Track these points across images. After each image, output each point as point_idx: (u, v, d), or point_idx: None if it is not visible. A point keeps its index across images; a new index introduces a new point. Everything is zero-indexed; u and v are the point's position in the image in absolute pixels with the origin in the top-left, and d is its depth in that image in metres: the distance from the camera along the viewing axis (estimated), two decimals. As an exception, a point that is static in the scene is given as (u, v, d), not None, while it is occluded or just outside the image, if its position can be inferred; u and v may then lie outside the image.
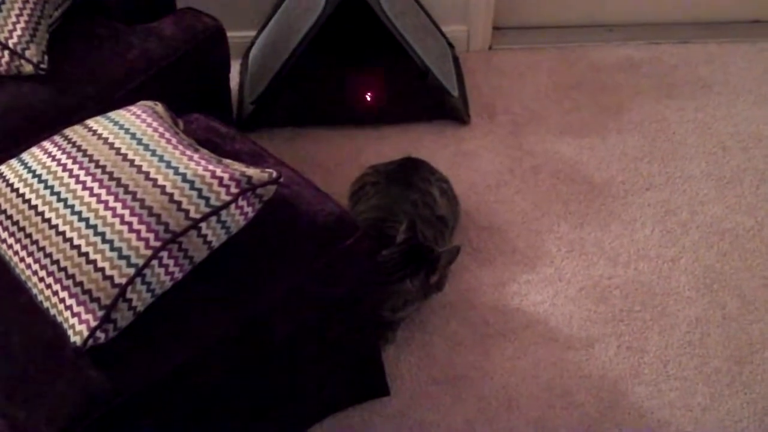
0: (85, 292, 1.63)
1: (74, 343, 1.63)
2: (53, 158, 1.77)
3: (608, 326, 2.41)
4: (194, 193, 1.67)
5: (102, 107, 2.03)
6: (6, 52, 2.18)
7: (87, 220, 1.66)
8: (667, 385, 2.29)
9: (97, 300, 1.62)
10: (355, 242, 1.89)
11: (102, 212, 1.65)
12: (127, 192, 1.67)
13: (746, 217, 2.68)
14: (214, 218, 1.69)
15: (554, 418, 2.23)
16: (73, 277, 1.64)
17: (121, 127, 1.82)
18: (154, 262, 1.64)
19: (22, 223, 1.72)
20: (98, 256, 1.63)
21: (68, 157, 1.76)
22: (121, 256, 1.62)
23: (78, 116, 1.98)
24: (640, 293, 2.49)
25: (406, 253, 2.24)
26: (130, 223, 1.64)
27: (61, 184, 1.71)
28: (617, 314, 2.44)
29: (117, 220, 1.64)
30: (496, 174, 2.82)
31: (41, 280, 1.69)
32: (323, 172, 2.79)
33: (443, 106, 2.93)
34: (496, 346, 2.38)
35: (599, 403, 2.25)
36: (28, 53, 2.18)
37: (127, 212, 1.65)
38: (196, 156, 1.76)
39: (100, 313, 1.61)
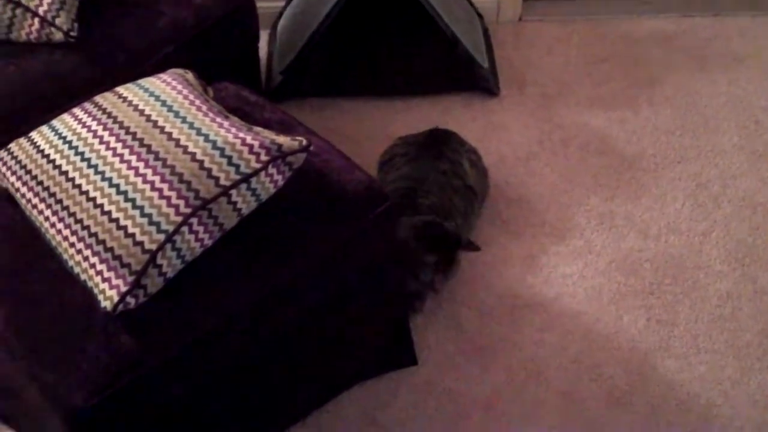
0: (115, 257, 1.63)
1: (104, 308, 1.64)
2: (84, 125, 1.78)
3: (638, 299, 2.39)
4: (224, 161, 1.67)
5: (132, 75, 2.03)
6: (36, 20, 2.18)
7: (117, 186, 1.66)
8: (697, 358, 2.27)
9: (128, 266, 1.62)
10: (384, 211, 1.88)
11: (132, 178, 1.66)
12: (157, 159, 1.67)
13: (779, 191, 2.65)
14: (244, 185, 1.69)
15: (582, 390, 2.22)
16: (103, 242, 1.64)
17: (152, 94, 1.82)
18: (184, 229, 1.64)
19: (52, 189, 1.73)
20: (129, 222, 1.63)
21: (99, 124, 1.77)
22: (151, 222, 1.63)
23: (108, 83, 1.98)
24: (671, 266, 2.46)
25: (431, 232, 2.25)
26: (160, 190, 1.64)
27: (92, 151, 1.72)
28: (647, 287, 2.42)
29: (147, 187, 1.65)
30: (525, 146, 2.80)
31: (72, 245, 1.69)
32: (351, 143, 2.77)
33: (473, 78, 2.90)
34: (525, 318, 2.37)
35: (628, 376, 2.24)
36: (58, 21, 2.18)
37: (157, 179, 1.65)
38: (226, 123, 1.75)
39: (130, 279, 1.62)
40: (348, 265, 1.92)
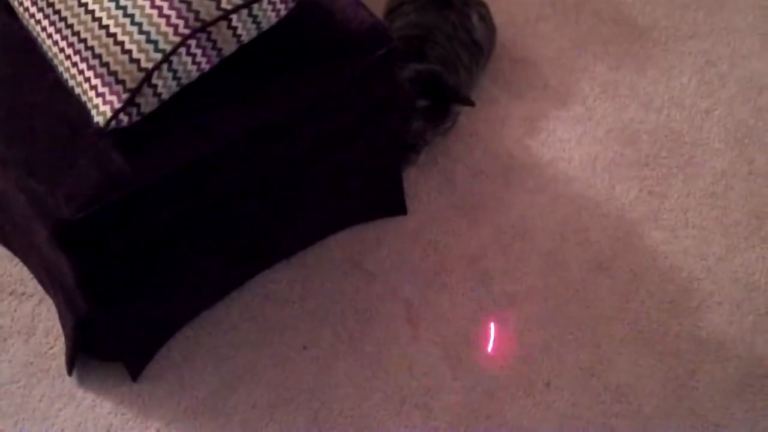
0: (111, 73, 1.61)
1: (97, 123, 1.63)
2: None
3: (632, 169, 2.39)
4: (227, -17, 1.63)
5: None
6: None
7: (117, 1, 1.62)
8: (685, 232, 2.29)
9: (123, 82, 1.60)
10: (387, 53, 1.85)
11: (132, -7, 1.62)
12: (159, -25, 1.63)
13: (788, 75, 2.62)
14: (245, 11, 1.65)
15: (567, 252, 2.24)
16: (99, 57, 1.62)
17: None
18: (182, 50, 1.62)
19: (51, 0, 1.69)
20: (126, 38, 1.60)
21: (101, -64, 1.71)
22: (149, 40, 1.60)
23: None
24: (669, 140, 2.45)
25: (430, 80, 2.22)
26: (160, 8, 1.61)
27: (93, -38, 1.68)
28: (643, 159, 2.41)
29: (147, 3, 1.61)
30: (537, 7, 2.74)
31: (68, 58, 1.67)
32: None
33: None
34: (518, 178, 2.37)
35: (614, 243, 2.26)
36: None
37: (158, -5, 1.61)
38: (231, -54, 1.70)
39: (124, 96, 1.60)
40: (346, 105, 1.90)
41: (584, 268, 2.22)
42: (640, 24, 2.71)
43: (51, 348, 2.08)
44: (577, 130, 2.46)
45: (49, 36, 1.70)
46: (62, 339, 2.06)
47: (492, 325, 2.13)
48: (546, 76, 2.58)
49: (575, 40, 2.67)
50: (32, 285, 2.16)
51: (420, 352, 2.09)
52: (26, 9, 1.74)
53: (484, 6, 2.51)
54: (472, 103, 2.31)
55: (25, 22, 1.77)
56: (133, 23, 1.61)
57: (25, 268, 2.17)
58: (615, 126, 2.48)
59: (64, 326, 2.02)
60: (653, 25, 2.71)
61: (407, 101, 2.12)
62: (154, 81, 1.61)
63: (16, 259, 2.18)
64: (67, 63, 1.67)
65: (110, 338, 1.98)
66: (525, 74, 2.58)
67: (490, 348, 2.11)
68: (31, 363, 2.07)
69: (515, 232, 2.27)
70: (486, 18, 2.48)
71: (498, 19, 2.58)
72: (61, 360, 2.06)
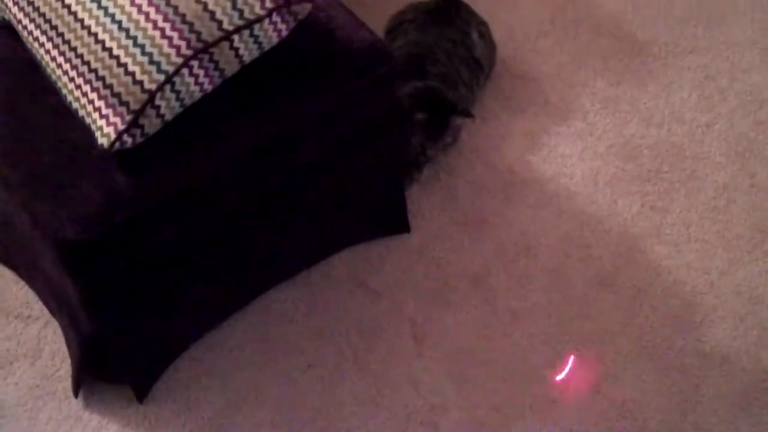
0: (114, 95, 1.62)
1: (101, 145, 1.64)
2: (89, -40, 1.74)
3: (634, 185, 2.40)
4: (228, 4, 1.64)
5: None
6: None
7: (120, 23, 1.64)
8: (688, 246, 2.29)
9: (126, 104, 1.62)
10: (387, 71, 1.87)
11: (135, 16, 1.63)
12: (161, -2, 1.65)
13: (788, 89, 2.63)
14: (247, 32, 1.66)
15: (570, 268, 2.25)
16: (103, 79, 1.63)
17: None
18: (185, 71, 1.63)
19: (54, 22, 1.70)
20: (129, 60, 1.62)
21: (104, -40, 1.73)
22: (151, 62, 1.61)
23: None
24: (671, 155, 2.46)
25: (429, 95, 2.24)
26: (162, 29, 1.62)
27: (96, -14, 1.69)
28: (644, 174, 2.42)
29: (150, 25, 1.62)
30: (536, 23, 2.75)
31: (72, 80, 1.68)
32: (359, 6, 2.70)
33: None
34: (520, 194, 2.37)
35: (616, 258, 2.26)
36: None
37: (160, 18, 1.62)
38: (233, -32, 1.72)
39: (128, 117, 1.61)
40: (347, 123, 1.91)
41: (587, 284, 2.22)
42: (640, 39, 2.72)
43: (57, 370, 2.08)
44: (579, 146, 2.47)
45: (53, 59, 1.71)
46: (68, 361, 2.07)
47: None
48: (546, 92, 2.59)
49: (575, 55, 2.68)
50: (38, 308, 2.16)
51: (425, 370, 2.09)
52: (30, 32, 1.76)
53: (484, 24, 2.52)
54: (471, 116, 2.32)
55: (28, 45, 1.79)
56: (135, 45, 1.62)
57: (30, 291, 2.17)
58: (616, 141, 2.48)
59: (69, 348, 2.02)
60: (653, 41, 2.72)
61: (407, 118, 2.13)
62: (157, 102, 1.63)
63: (22, 282, 2.18)
64: (71, 85, 1.69)
65: (116, 360, 1.98)
66: (525, 90, 2.59)
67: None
68: (38, 386, 2.07)
69: (518, 248, 2.28)
70: (486, 36, 2.50)
71: (498, 35, 2.60)
72: (68, 382, 2.06)
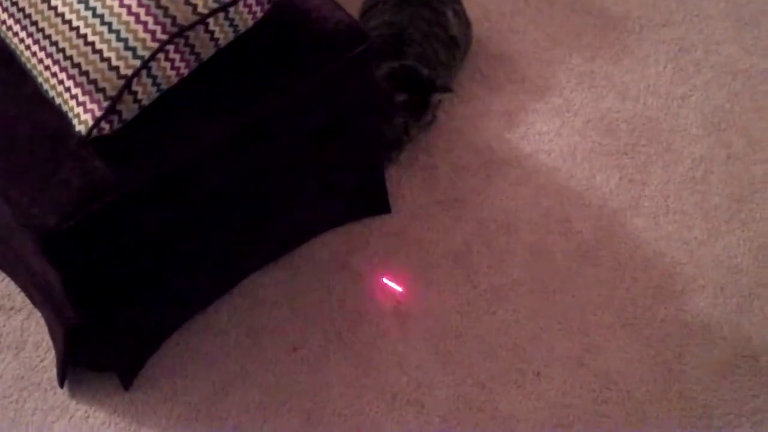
0: (90, 81, 1.62)
1: (79, 132, 1.63)
2: (60, -53, 1.73)
3: (612, 158, 2.41)
4: (203, -13, 1.64)
5: None
6: None
7: (94, 9, 1.63)
8: (666, 218, 2.31)
9: (103, 90, 1.61)
10: (364, 51, 1.86)
11: (109, 2, 1.62)
12: (134, -18, 1.64)
13: (761, 60, 2.64)
14: (222, 14, 1.66)
15: (551, 242, 2.26)
16: (79, 66, 1.63)
17: None
18: (161, 56, 1.62)
19: (28, 11, 1.69)
20: (104, 46, 1.61)
21: (75, -54, 1.72)
22: (127, 47, 1.60)
23: None
24: (647, 128, 2.48)
25: (405, 75, 2.24)
26: (137, 15, 1.61)
27: (68, -28, 1.68)
28: (622, 147, 2.44)
29: (124, 11, 1.61)
30: (510, 2, 2.76)
31: (47, 68, 1.67)
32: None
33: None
34: (499, 171, 2.38)
35: (597, 231, 2.28)
36: None
37: (134, 2, 1.61)
38: (205, -49, 1.71)
39: (105, 104, 1.61)
40: (325, 104, 1.91)
41: (569, 258, 2.23)
42: (613, 14, 2.73)
43: (42, 361, 2.08)
44: (556, 122, 2.48)
45: (27, 47, 1.70)
46: (52, 352, 2.06)
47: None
48: (523, 70, 2.60)
49: (550, 33, 2.69)
50: (20, 299, 2.15)
51: (409, 349, 2.10)
52: (3, 22, 1.74)
53: (459, 2, 2.52)
54: (450, 90, 2.32)
55: (2, 34, 1.77)
56: (110, 31, 1.61)
57: (12, 283, 2.16)
58: (593, 116, 2.50)
59: (53, 338, 2.02)
60: (626, 15, 2.73)
61: (386, 99, 2.13)
62: (134, 88, 1.62)
63: (2, 274, 2.18)
64: (47, 73, 1.68)
65: (101, 348, 1.98)
66: (502, 69, 2.60)
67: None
68: (23, 377, 2.06)
69: (499, 225, 2.29)
70: (460, 14, 2.50)
71: (472, 14, 2.60)
72: (52, 373, 2.05)
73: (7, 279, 2.17)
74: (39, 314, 2.11)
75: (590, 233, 2.27)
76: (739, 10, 2.76)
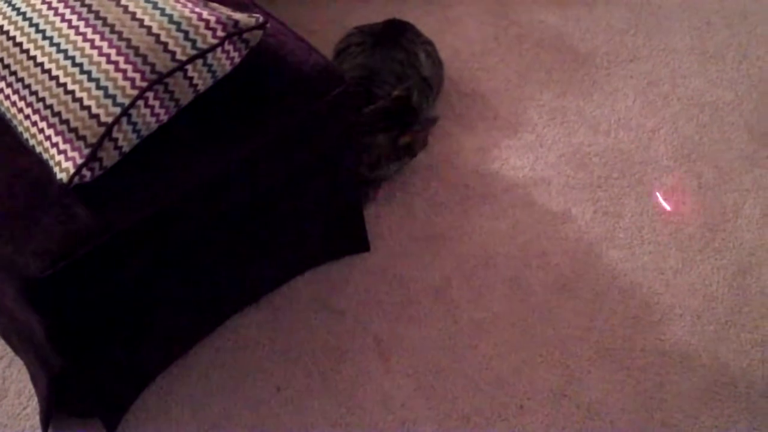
0: (71, 129, 1.63)
1: (60, 180, 1.64)
2: (39, -2, 1.76)
3: (586, 192, 2.45)
4: (180, 35, 1.67)
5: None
6: None
7: (73, 58, 1.65)
8: (641, 249, 2.34)
9: (83, 138, 1.63)
10: (341, 93, 1.89)
11: (88, 51, 1.65)
12: (113, 31, 1.66)
13: (727, 92, 2.70)
14: (200, 61, 1.69)
15: (529, 276, 2.29)
16: (59, 114, 1.64)
17: (107, -32, 1.80)
18: (140, 103, 1.64)
19: (7, 61, 1.71)
20: (84, 95, 1.63)
21: (54, -3, 1.74)
22: (107, 95, 1.62)
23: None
24: (619, 161, 2.52)
25: (389, 110, 2.26)
26: (116, 63, 1.64)
27: (47, 23, 1.70)
28: (595, 180, 2.48)
29: (103, 59, 1.64)
30: (480, 42, 2.81)
31: (27, 117, 1.69)
32: (306, 33, 2.71)
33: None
34: (476, 207, 2.41)
35: (574, 264, 2.31)
36: None
37: (113, 51, 1.64)
38: (182, -1, 1.74)
39: (86, 151, 1.62)
40: (303, 147, 1.93)
41: (548, 291, 2.26)
42: (582, 51, 2.79)
43: (24, 409, 2.07)
44: (530, 157, 2.52)
45: (7, 97, 1.72)
46: (35, 399, 2.06)
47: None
48: (495, 107, 2.64)
49: (520, 70, 2.74)
50: (0, 347, 2.15)
51: (393, 386, 2.11)
52: (-18, 73, 1.76)
53: (430, 44, 2.57)
54: (434, 120, 2.35)
55: (-19, 85, 1.79)
56: (90, 79, 1.63)
57: (-8, 332, 2.16)
58: (566, 151, 2.54)
59: (36, 386, 2.01)
60: (594, 52, 2.79)
61: (358, 140, 2.16)
62: (114, 135, 1.64)
63: (-17, 323, 2.17)
64: (27, 123, 1.69)
65: (84, 394, 1.98)
66: (475, 107, 2.64)
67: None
68: (5, 426, 2.05)
69: (477, 260, 2.32)
70: (432, 55, 2.54)
71: (444, 55, 2.65)
72: (35, 420, 2.05)
73: (-12, 328, 2.16)
74: (21, 362, 2.10)
75: (567, 266, 2.30)
76: (703, 44, 2.83)
